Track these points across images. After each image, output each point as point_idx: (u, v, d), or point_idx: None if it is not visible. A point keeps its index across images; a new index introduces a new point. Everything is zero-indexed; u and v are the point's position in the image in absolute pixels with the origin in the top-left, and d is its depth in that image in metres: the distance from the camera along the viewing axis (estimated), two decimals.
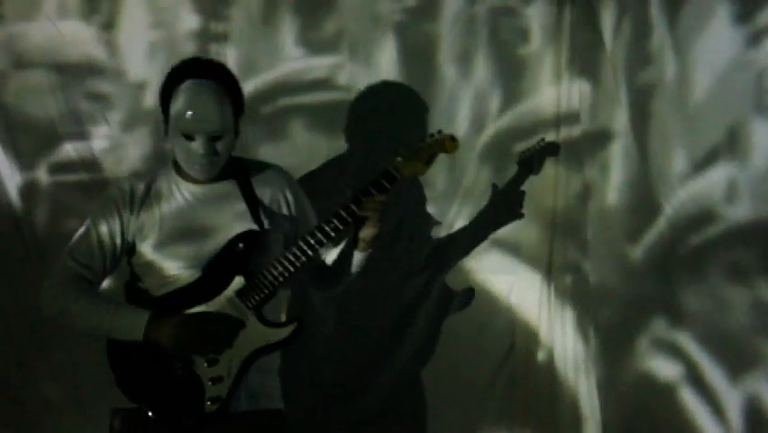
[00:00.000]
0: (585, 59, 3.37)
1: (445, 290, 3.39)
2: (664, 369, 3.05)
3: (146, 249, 2.54)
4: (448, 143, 2.60)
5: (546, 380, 3.45)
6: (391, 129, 3.33)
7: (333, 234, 2.50)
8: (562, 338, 3.41)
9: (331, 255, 2.72)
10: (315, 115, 3.40)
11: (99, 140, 3.37)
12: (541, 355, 3.46)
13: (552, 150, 3.27)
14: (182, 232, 2.55)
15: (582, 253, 3.37)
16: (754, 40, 2.77)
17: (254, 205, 2.59)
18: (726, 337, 2.86)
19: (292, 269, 2.49)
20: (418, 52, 3.41)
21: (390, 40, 3.41)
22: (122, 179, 2.72)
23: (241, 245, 2.51)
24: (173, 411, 2.47)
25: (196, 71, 2.52)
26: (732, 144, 2.83)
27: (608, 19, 3.27)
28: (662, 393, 3.04)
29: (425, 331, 3.39)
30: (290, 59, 3.39)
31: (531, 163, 3.29)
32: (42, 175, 3.37)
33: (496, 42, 3.42)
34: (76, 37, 3.34)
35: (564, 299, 3.43)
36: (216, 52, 3.35)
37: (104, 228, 2.55)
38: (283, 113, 3.42)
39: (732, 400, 2.84)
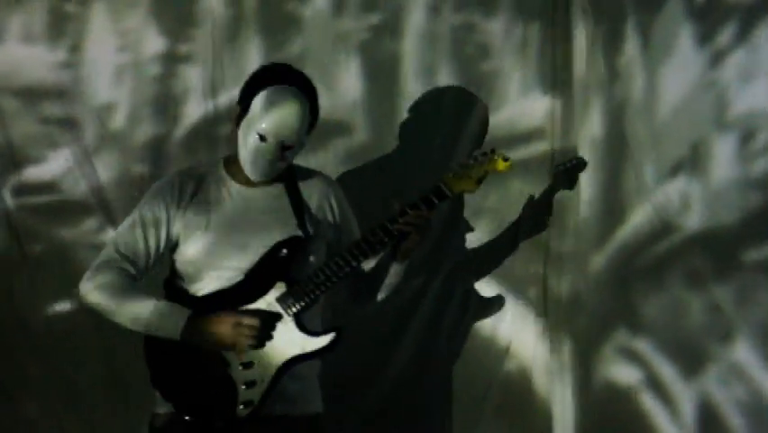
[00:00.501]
0: (555, 76, 3.38)
1: (470, 296, 3.37)
2: (627, 375, 3.10)
3: (190, 248, 2.54)
4: (500, 163, 2.53)
5: (519, 389, 3.43)
6: (439, 136, 3.36)
7: (378, 246, 2.50)
8: (533, 349, 3.40)
9: (368, 267, 2.69)
10: None
11: (64, 162, 3.38)
12: (511, 366, 3.45)
13: (583, 166, 3.22)
14: (228, 233, 2.54)
15: (551, 265, 3.38)
16: (715, 60, 2.84)
17: (300, 211, 2.58)
18: (682, 341, 2.93)
19: (335, 279, 2.49)
20: (382, 71, 3.40)
21: (355, 58, 3.40)
22: (172, 174, 2.70)
23: (284, 251, 2.50)
24: (205, 413, 2.46)
25: (289, 79, 2.53)
26: (694, 159, 2.90)
27: (580, 37, 3.31)
28: (625, 398, 3.09)
29: (450, 333, 3.38)
30: None
31: (565, 177, 3.26)
32: (7, 198, 3.38)
33: (459, 59, 3.40)
34: (40, 60, 3.36)
35: (535, 310, 3.43)
36: (181, 74, 3.38)
37: (150, 222, 2.54)
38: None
39: (686, 400, 2.91)
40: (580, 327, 3.32)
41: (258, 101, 2.49)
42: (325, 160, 3.31)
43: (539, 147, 3.39)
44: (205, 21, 3.39)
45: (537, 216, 3.32)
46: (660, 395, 3.00)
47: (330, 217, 2.65)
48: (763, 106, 2.74)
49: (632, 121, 3.15)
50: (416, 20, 3.40)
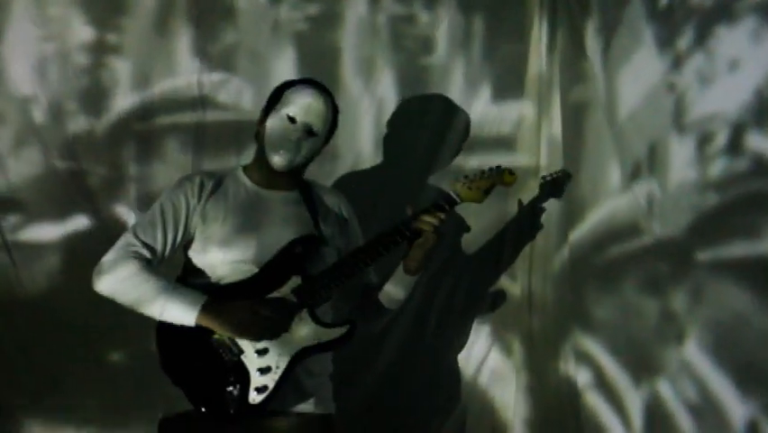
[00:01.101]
0: (509, 75, 3.38)
1: (456, 293, 3.41)
2: (578, 375, 3.15)
3: (207, 240, 2.60)
4: (507, 176, 2.72)
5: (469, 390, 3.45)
6: (430, 143, 3.37)
7: (390, 246, 2.59)
8: (482, 351, 3.44)
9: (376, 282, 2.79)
10: (189, 136, 3.32)
11: None
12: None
13: (568, 178, 3.24)
14: (244, 229, 2.61)
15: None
16: (675, 63, 2.85)
17: (315, 215, 2.68)
18: (633, 344, 2.96)
19: (349, 275, 2.57)
20: (320, 63, 3.32)
21: (290, 50, 3.32)
22: (192, 173, 2.77)
23: (299, 249, 2.58)
24: (217, 400, 2.47)
25: (317, 85, 2.72)
26: (653, 161, 2.93)
27: (536, 35, 3.31)
28: (577, 398, 3.13)
29: (456, 327, 3.43)
30: (186, 71, 3.31)
31: (552, 188, 3.27)
32: None
33: (399, 52, 3.36)
34: None
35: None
36: (110, 66, 3.29)
37: (170, 211, 2.61)
38: (160, 131, 3.32)
39: (635, 403, 2.93)
40: (534, 327, 3.35)
41: (288, 92, 2.67)
42: None
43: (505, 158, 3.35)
44: (134, 9, 3.30)
45: (524, 227, 3.36)
46: (610, 396, 3.02)
47: (340, 228, 2.75)
48: (720, 110, 2.66)
49: (591, 122, 3.18)
50: (355, 10, 3.35)
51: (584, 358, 3.11)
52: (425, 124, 3.35)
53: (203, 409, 2.47)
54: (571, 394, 3.15)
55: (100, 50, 3.28)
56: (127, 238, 2.59)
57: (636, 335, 2.93)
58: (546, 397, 3.30)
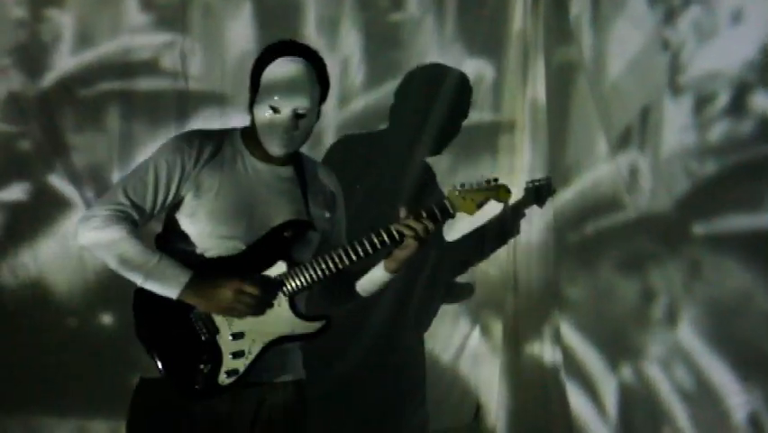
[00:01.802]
0: (485, 34, 3.26)
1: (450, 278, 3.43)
2: (551, 355, 3.14)
3: (198, 209, 2.57)
4: (502, 193, 2.75)
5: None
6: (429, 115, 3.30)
7: (379, 246, 2.59)
8: (464, 333, 3.42)
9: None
10: (134, 104, 3.16)
11: None
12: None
13: (552, 188, 3.20)
14: (235, 203, 2.59)
15: None
16: (669, 16, 2.73)
17: (306, 197, 2.68)
18: (608, 325, 2.92)
19: (333, 270, 2.58)
20: (278, 19, 3.17)
21: (246, 5, 3.16)
22: (191, 131, 2.74)
23: (288, 232, 2.59)
24: (186, 374, 2.51)
25: (293, 50, 2.61)
26: (645, 126, 2.82)
27: None
28: (550, 379, 3.12)
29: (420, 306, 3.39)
30: (131, 29, 3.12)
31: (535, 194, 3.23)
32: None
33: (366, 8, 3.22)
34: None
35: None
36: (50, 20, 3.08)
37: (163, 173, 2.56)
38: (102, 98, 3.14)
39: (609, 386, 2.90)
40: (509, 305, 3.32)
41: (265, 76, 2.59)
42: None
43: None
44: None
45: (504, 228, 3.32)
46: (582, 378, 2.98)
47: (328, 212, 2.75)
48: (721, 67, 2.53)
49: (578, 85, 3.07)
50: None
51: (561, 340, 3.07)
52: (417, 92, 3.29)
53: (168, 378, 2.48)
54: (549, 377, 3.12)
55: (38, 3, 3.07)
56: (117, 197, 2.55)
57: (612, 315, 2.88)
58: (526, 379, 3.27)
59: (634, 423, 2.81)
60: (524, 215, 3.24)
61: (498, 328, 3.36)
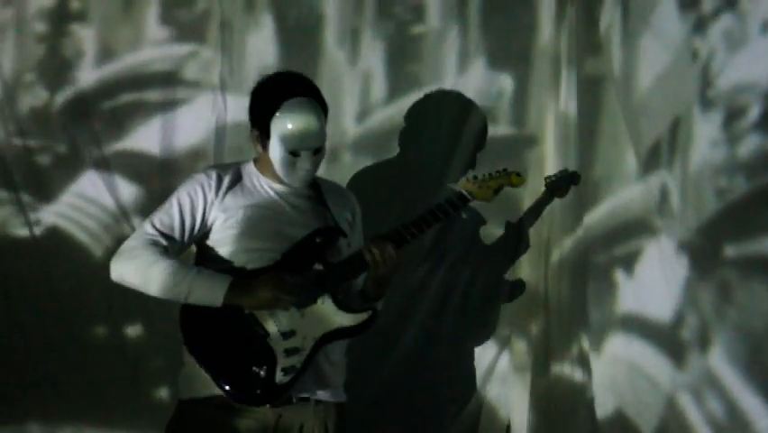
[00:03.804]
0: (509, 47, 3.21)
1: (474, 283, 3.39)
2: (579, 375, 3.13)
3: (229, 231, 2.61)
4: (515, 178, 2.82)
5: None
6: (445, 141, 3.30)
7: (414, 237, 2.63)
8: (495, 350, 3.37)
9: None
10: (155, 115, 3.19)
11: None
12: None
13: (575, 179, 3.23)
14: (263, 220, 2.63)
15: None
16: (699, 27, 2.72)
17: (329, 209, 2.73)
18: None
19: (361, 271, 2.61)
20: (299, 33, 3.18)
21: (268, 18, 3.16)
22: (208, 167, 2.77)
23: (320, 238, 2.63)
24: (243, 381, 2.51)
25: (299, 89, 2.64)
26: (674, 140, 2.79)
27: (544, 3, 3.17)
28: (579, 398, 3.11)
29: (454, 320, 3.37)
30: (153, 41, 3.13)
31: (557, 188, 3.24)
32: None
33: (387, 20, 3.20)
34: None
35: None
36: (73, 35, 3.12)
37: (187, 203, 2.62)
38: (127, 109, 3.18)
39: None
40: (539, 324, 3.28)
41: (278, 124, 2.60)
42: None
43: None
44: None
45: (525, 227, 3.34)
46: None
47: (347, 228, 2.76)
48: (752, 79, 2.55)
49: (607, 98, 3.06)
50: None
51: (587, 360, 3.07)
52: (442, 123, 3.30)
53: (227, 389, 2.48)
54: (578, 396, 3.12)
55: (62, 17, 3.12)
56: (146, 229, 2.61)
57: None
58: (555, 399, 3.25)
59: None
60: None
61: (526, 349, 3.34)
